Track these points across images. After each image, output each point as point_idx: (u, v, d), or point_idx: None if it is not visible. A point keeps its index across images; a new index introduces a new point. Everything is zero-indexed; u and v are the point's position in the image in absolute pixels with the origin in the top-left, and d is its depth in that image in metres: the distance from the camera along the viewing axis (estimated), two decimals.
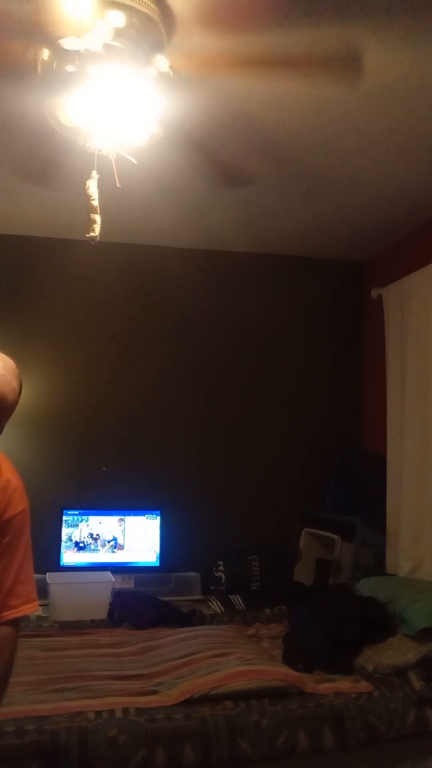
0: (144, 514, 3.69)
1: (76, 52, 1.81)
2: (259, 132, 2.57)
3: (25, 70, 1.92)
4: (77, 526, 3.61)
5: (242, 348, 4.07)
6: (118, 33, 1.80)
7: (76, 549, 3.58)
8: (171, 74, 1.91)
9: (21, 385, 1.54)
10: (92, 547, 3.61)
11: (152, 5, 1.82)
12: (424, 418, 3.30)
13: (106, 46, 1.80)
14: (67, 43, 1.77)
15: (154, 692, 2.17)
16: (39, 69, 1.84)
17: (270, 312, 4.12)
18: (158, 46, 1.91)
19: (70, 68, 1.85)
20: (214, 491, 3.93)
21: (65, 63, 1.85)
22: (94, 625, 2.99)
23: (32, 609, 1.50)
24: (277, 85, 2.24)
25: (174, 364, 3.98)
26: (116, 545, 3.63)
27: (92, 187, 2.11)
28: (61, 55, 1.84)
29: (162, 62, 1.88)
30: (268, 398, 4.08)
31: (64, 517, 3.60)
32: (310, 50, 2.03)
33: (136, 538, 3.66)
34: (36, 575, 3.61)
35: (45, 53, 1.83)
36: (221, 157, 2.75)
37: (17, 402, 1.55)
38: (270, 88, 2.26)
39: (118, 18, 1.76)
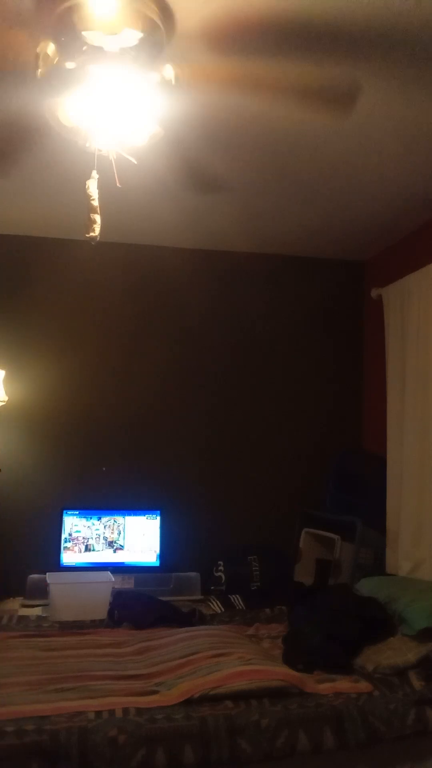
0: (144, 514, 3.69)
1: (81, 50, 1.81)
2: (259, 133, 2.57)
3: (26, 65, 1.90)
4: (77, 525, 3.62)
5: (242, 348, 4.07)
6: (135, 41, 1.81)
7: (76, 549, 3.59)
8: (173, 82, 1.92)
9: None
10: (92, 547, 3.61)
11: (159, 17, 1.84)
12: (424, 418, 3.30)
13: (122, 49, 1.80)
14: (90, 37, 1.76)
15: (154, 692, 2.17)
16: (40, 64, 1.83)
17: (270, 312, 4.12)
18: (161, 54, 1.92)
19: (70, 65, 1.85)
20: (214, 491, 3.93)
21: (69, 59, 1.84)
22: (94, 625, 2.99)
23: None
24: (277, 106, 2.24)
25: (174, 363, 3.98)
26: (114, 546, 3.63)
27: (92, 187, 2.11)
28: (68, 50, 1.83)
29: (168, 71, 1.89)
30: (268, 398, 4.08)
31: (64, 517, 3.60)
32: (305, 80, 2.10)
33: (136, 538, 3.66)
34: (36, 575, 3.63)
35: (50, 47, 1.82)
36: (221, 156, 2.76)
37: None
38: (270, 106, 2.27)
39: (133, 36, 1.77)
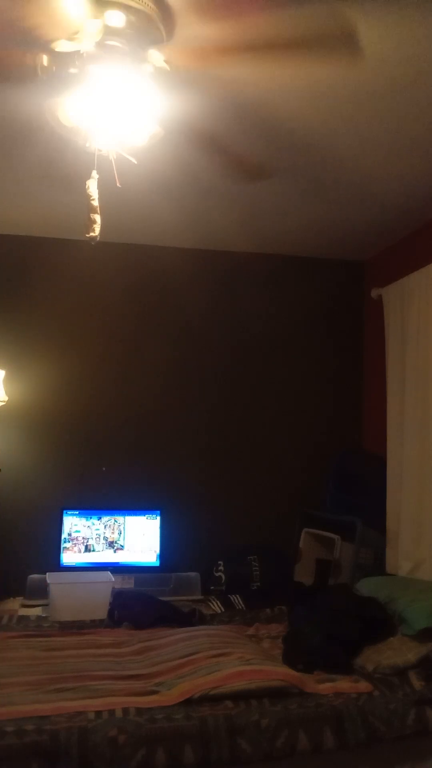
0: (144, 514, 3.69)
1: (76, 53, 1.82)
2: (259, 134, 2.57)
3: (25, 74, 1.92)
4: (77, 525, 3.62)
5: (242, 348, 4.07)
6: (116, 32, 1.80)
7: (76, 549, 3.59)
8: (168, 69, 1.91)
9: None
10: (92, 547, 3.61)
11: (150, 3, 1.83)
12: (424, 418, 3.30)
13: (103, 45, 1.80)
14: (59, 46, 1.77)
15: (154, 692, 2.17)
16: (39, 73, 1.84)
17: (270, 312, 4.12)
18: (156, 43, 1.91)
19: (72, 70, 1.86)
20: (214, 491, 3.93)
21: (66, 66, 1.85)
22: (94, 625, 2.99)
23: None
24: (277, 86, 2.24)
25: (174, 363, 3.98)
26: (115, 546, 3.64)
27: (92, 187, 2.11)
28: (60, 58, 1.84)
29: (156, 57, 1.88)
30: (268, 398, 4.08)
31: (64, 517, 3.60)
32: (306, 31, 2.00)
33: (136, 538, 3.66)
34: (36, 575, 3.63)
35: (44, 59, 1.83)
36: (220, 155, 2.75)
37: None
38: (270, 91, 2.27)
39: (117, 18, 1.77)
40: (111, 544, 3.64)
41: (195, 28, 1.97)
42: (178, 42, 1.99)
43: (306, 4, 1.89)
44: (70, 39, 1.78)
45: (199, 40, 2.01)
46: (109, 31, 1.79)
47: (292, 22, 1.95)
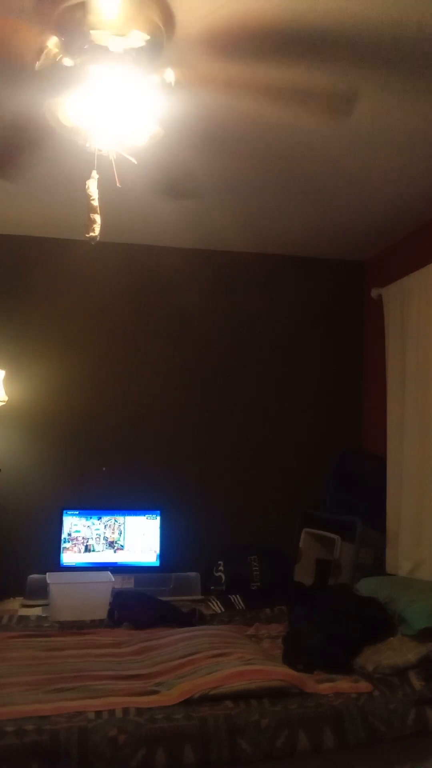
0: (144, 514, 3.69)
1: (82, 48, 1.81)
2: (259, 133, 2.57)
3: (26, 55, 1.89)
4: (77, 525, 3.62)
5: (242, 348, 4.07)
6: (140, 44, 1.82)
7: (76, 549, 3.59)
8: (173, 85, 1.93)
9: None
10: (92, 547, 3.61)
11: (162, 21, 1.85)
12: (424, 418, 3.30)
13: (126, 50, 1.80)
14: (97, 37, 1.76)
15: (154, 692, 2.17)
16: (41, 57, 1.82)
17: (270, 312, 4.12)
18: (160, 56, 1.92)
19: (68, 62, 1.84)
20: (214, 491, 3.93)
21: (70, 55, 1.84)
22: (94, 625, 2.99)
23: None
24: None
25: (174, 364, 3.98)
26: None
27: (92, 187, 2.11)
28: (69, 46, 1.83)
29: (169, 74, 1.89)
30: (268, 398, 4.08)
31: (64, 517, 3.60)
32: (304, 85, 2.12)
33: (136, 538, 3.66)
34: (36, 575, 3.63)
35: (53, 41, 1.81)
36: (220, 155, 2.76)
37: None
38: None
39: (139, 38, 1.78)
40: (111, 544, 3.64)
41: (198, 56, 2.02)
42: (180, 61, 2.03)
43: (313, 62, 1.99)
44: (114, 35, 1.77)
45: (202, 65, 2.06)
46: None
47: (288, 74, 2.06)
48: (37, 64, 1.83)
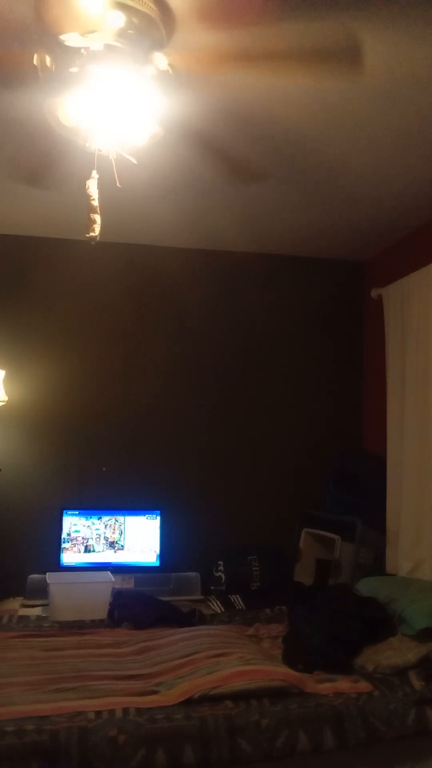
0: (144, 514, 3.69)
1: (77, 53, 1.81)
2: (259, 133, 2.57)
3: (26, 75, 1.91)
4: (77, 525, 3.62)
5: (242, 348, 4.07)
6: (119, 33, 1.80)
7: (76, 549, 3.59)
8: (170, 72, 1.91)
9: None
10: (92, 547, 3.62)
11: (151, 4, 1.82)
12: (424, 418, 3.30)
13: (107, 45, 1.80)
14: (68, 40, 1.76)
15: (154, 692, 2.17)
16: (40, 73, 1.84)
17: (270, 312, 4.12)
18: (158, 45, 1.91)
19: (73, 69, 1.85)
20: (214, 491, 3.93)
21: (67, 65, 1.85)
22: (94, 625, 2.99)
23: None
24: (278, 85, 2.24)
25: (174, 364, 3.98)
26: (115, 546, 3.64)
27: (92, 187, 2.11)
28: (63, 56, 1.84)
29: (160, 60, 1.88)
30: (268, 398, 4.08)
31: (64, 517, 3.60)
32: (309, 43, 2.02)
33: (136, 538, 3.66)
34: (36, 575, 3.62)
35: (47, 59, 1.83)
36: (220, 155, 2.75)
37: None
38: (270, 89, 2.27)
39: (118, 18, 1.76)
40: (111, 544, 3.64)
41: (196, 34, 1.97)
42: (179, 46, 2.00)
43: (311, 16, 1.89)
44: (83, 35, 1.77)
45: (201, 45, 2.01)
46: (118, 32, 1.80)
47: (296, 33, 1.96)
48: (40, 77, 1.84)
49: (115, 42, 1.80)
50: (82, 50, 1.81)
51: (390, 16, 1.91)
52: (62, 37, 1.76)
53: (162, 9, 1.85)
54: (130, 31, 1.81)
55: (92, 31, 1.76)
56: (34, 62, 1.83)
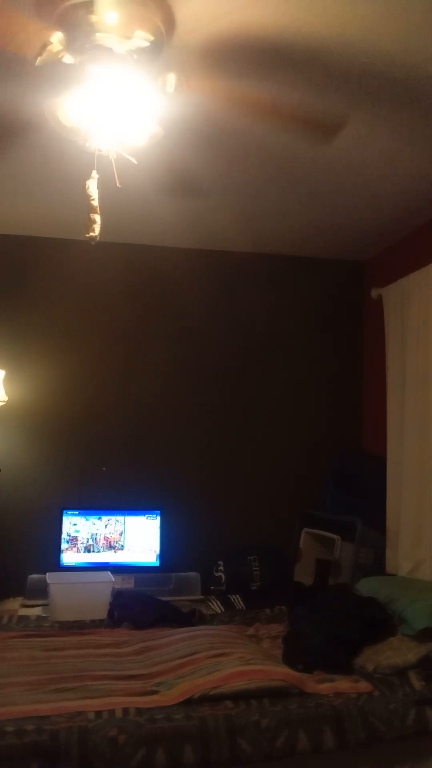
0: (144, 514, 3.69)
1: (84, 47, 1.80)
2: (259, 132, 2.56)
3: (28, 49, 1.89)
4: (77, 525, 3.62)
5: (242, 348, 4.07)
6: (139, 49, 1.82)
7: (76, 549, 3.59)
8: (171, 90, 1.94)
9: None
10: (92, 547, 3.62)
11: (163, 26, 1.86)
12: (424, 418, 3.30)
13: (129, 51, 1.81)
14: (103, 39, 1.76)
15: (154, 692, 2.17)
16: (44, 53, 1.81)
17: (270, 312, 4.12)
18: (159, 60, 1.92)
19: (68, 59, 1.84)
20: (214, 491, 3.93)
21: (72, 53, 1.83)
22: (94, 625, 2.99)
23: None
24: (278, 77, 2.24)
25: (174, 364, 3.98)
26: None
27: (92, 187, 2.11)
28: (73, 44, 1.82)
29: (170, 79, 1.90)
30: (268, 398, 4.08)
31: (64, 517, 3.60)
32: (295, 106, 2.20)
33: (136, 538, 3.66)
34: (36, 575, 3.62)
35: (57, 36, 1.80)
36: (220, 155, 2.76)
37: None
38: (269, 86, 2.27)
39: (144, 37, 1.78)
40: (111, 545, 3.64)
41: (197, 66, 2.05)
42: (180, 68, 2.04)
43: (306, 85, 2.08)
44: (120, 38, 1.78)
45: (199, 75, 2.08)
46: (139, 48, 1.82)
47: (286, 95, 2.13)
48: (39, 59, 1.82)
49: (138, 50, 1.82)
50: (89, 45, 1.80)
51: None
52: (98, 34, 1.76)
53: (169, 31, 1.91)
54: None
55: (128, 38, 1.76)
56: (44, 38, 1.80)
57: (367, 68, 2.09)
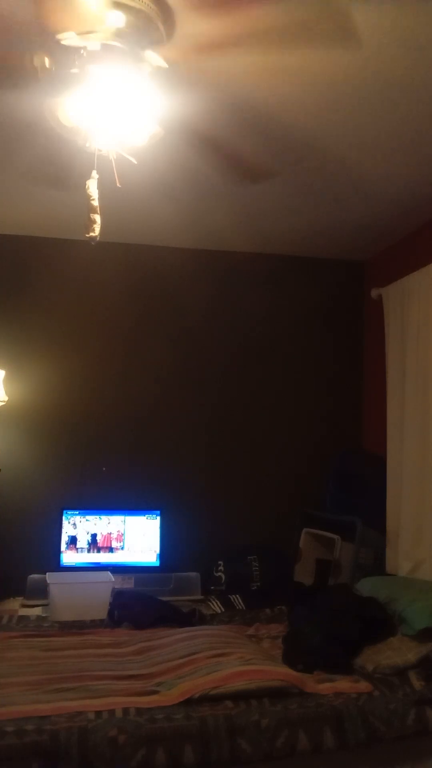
0: (144, 514, 3.69)
1: (77, 53, 1.81)
2: (259, 133, 2.57)
3: (27, 75, 1.92)
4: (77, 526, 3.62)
5: (242, 348, 4.07)
6: (117, 33, 1.81)
7: (76, 549, 3.59)
8: (166, 66, 1.92)
9: None
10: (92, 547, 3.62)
11: (150, 3, 1.83)
12: (424, 418, 3.30)
13: (104, 45, 1.80)
14: (66, 39, 1.77)
15: (154, 692, 2.17)
16: (40, 74, 1.84)
17: (270, 312, 4.12)
18: (155, 43, 1.91)
19: (74, 70, 1.85)
20: (214, 491, 3.93)
21: (67, 66, 1.85)
22: (94, 625, 2.99)
23: None
24: (277, 83, 2.24)
25: (174, 364, 3.98)
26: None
27: (92, 187, 2.11)
28: (63, 57, 1.84)
29: (153, 58, 1.88)
30: (268, 398, 4.08)
31: (64, 517, 3.60)
32: (301, 20, 1.98)
33: (136, 538, 3.66)
34: (36, 575, 3.62)
35: (46, 61, 1.83)
36: (220, 155, 2.75)
37: None
38: (270, 87, 2.27)
39: (118, 18, 1.77)
40: (111, 545, 3.63)
41: (193, 25, 1.96)
42: (176, 40, 1.99)
43: None
44: (81, 35, 1.78)
45: (197, 36, 2.00)
46: (116, 32, 1.80)
47: (287, 12, 1.94)
48: (39, 77, 1.84)
49: (113, 42, 1.80)
50: (82, 50, 1.81)
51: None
52: (59, 36, 1.77)
53: (159, 5, 1.85)
54: (128, 30, 1.81)
55: (90, 31, 1.76)
56: (34, 63, 1.84)
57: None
